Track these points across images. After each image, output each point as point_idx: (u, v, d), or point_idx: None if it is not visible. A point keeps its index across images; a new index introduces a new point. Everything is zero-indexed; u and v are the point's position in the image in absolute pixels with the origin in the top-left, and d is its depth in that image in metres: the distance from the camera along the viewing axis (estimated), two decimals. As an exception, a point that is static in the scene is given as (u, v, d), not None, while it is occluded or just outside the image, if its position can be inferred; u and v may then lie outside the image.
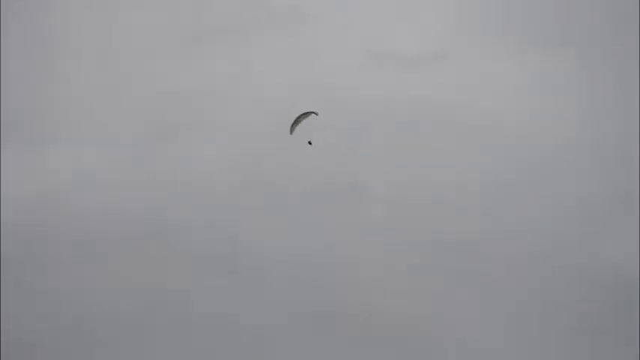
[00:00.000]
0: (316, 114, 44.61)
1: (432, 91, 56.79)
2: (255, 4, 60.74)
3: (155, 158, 55.16)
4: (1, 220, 51.20)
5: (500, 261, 50.73)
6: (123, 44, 59.85)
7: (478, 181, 53.80)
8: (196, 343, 48.76)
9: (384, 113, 56.03)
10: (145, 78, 58.64)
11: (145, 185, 54.12)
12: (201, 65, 59.07)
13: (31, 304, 49.17)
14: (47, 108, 57.25)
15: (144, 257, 51.16)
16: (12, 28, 59.09)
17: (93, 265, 50.85)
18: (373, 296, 49.71)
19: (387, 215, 52.45)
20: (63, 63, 59.30)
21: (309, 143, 45.95)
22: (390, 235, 51.74)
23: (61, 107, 57.42)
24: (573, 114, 55.93)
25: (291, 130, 44.98)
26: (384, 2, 61.26)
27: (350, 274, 50.57)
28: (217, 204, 53.13)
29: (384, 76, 58.02)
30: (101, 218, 52.47)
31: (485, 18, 60.08)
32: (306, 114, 44.57)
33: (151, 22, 60.48)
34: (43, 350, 48.00)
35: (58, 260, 50.92)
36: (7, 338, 47.72)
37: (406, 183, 53.71)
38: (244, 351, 48.67)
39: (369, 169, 54.20)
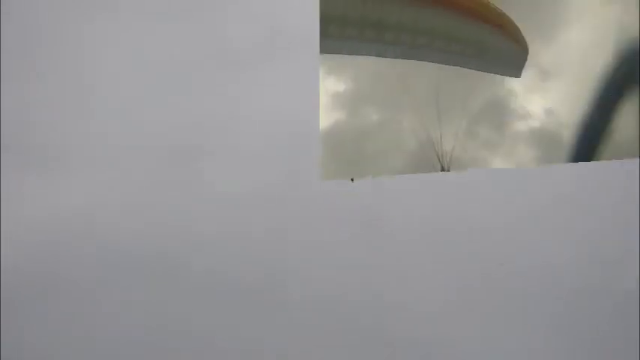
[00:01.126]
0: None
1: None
2: (272, 31, 61.20)
3: (172, 184, 54.81)
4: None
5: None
6: (145, 66, 59.95)
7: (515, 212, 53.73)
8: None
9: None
10: (162, 102, 58.67)
11: (165, 210, 53.70)
12: (225, 91, 59.22)
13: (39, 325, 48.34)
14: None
15: (162, 286, 50.47)
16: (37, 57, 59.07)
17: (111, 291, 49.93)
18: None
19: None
20: (78, 89, 59.14)
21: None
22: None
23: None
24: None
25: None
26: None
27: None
28: (244, 235, 52.58)
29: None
30: (122, 242, 51.83)
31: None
32: None
33: (170, 49, 60.75)
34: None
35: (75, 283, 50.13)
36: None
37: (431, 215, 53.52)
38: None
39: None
